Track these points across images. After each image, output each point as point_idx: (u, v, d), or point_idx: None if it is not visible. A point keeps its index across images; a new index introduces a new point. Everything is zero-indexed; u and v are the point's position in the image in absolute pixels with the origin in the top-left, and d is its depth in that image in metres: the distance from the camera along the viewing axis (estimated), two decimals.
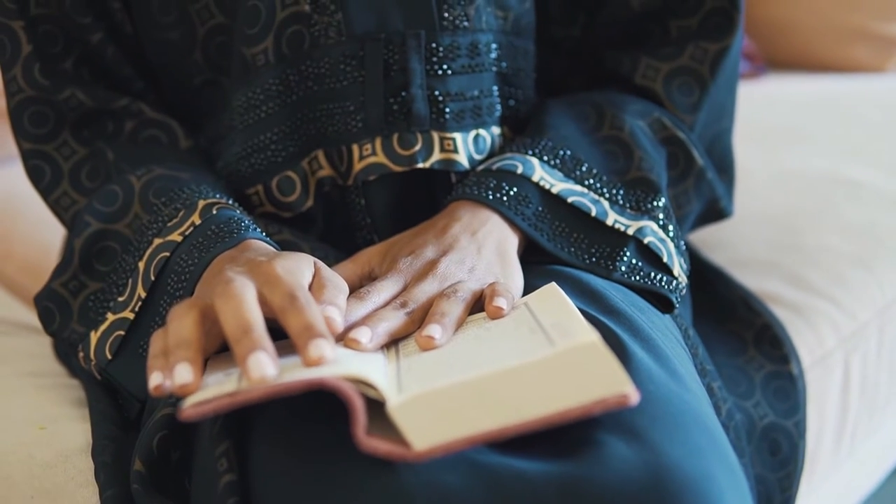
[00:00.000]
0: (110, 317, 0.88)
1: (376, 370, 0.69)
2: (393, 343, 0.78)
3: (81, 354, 0.89)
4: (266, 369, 0.65)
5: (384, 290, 0.81)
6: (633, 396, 0.65)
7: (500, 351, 0.69)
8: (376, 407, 0.66)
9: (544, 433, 0.65)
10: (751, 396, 1.06)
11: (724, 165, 1.08)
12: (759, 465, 1.02)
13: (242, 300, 0.68)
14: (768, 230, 1.32)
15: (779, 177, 1.45)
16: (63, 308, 0.92)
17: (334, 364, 0.67)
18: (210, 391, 0.66)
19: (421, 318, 0.79)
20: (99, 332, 0.88)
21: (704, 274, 1.18)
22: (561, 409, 0.64)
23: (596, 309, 0.82)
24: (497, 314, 0.77)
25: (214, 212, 0.87)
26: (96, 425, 0.87)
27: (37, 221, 1.39)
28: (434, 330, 0.75)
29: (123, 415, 0.89)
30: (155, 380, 0.68)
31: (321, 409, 0.70)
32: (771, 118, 1.68)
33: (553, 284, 0.80)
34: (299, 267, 0.75)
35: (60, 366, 1.03)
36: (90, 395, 0.92)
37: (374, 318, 0.76)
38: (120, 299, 0.88)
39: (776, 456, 1.04)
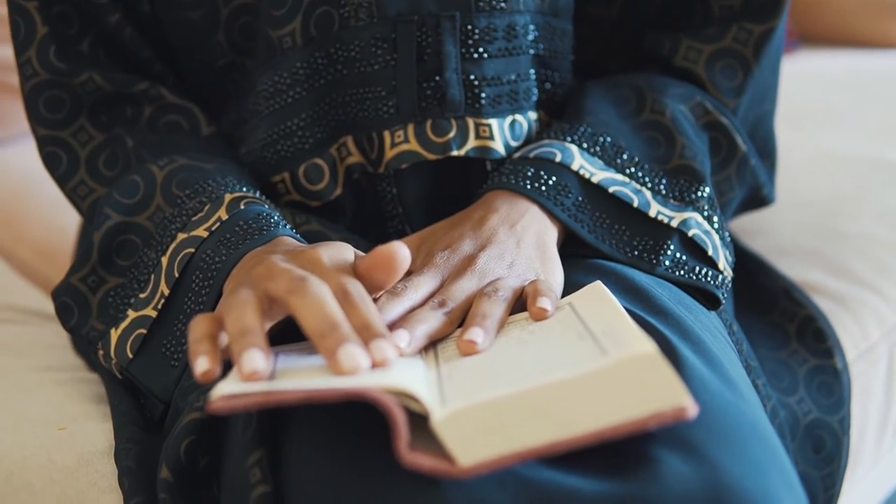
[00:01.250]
0: (131, 314, 0.84)
1: (418, 379, 0.65)
2: (431, 345, 0.75)
3: (101, 352, 0.86)
4: (359, 360, 0.63)
5: (421, 286, 0.77)
6: (691, 409, 0.61)
7: (548, 359, 0.65)
8: (419, 419, 0.63)
9: (596, 447, 0.62)
10: (794, 392, 1.02)
11: (767, 150, 1.04)
12: (803, 462, 0.99)
13: (323, 299, 0.66)
14: (808, 216, 1.27)
15: (816, 160, 1.40)
16: (82, 304, 0.88)
17: (375, 372, 0.64)
18: (242, 386, 0.62)
19: (460, 318, 0.75)
20: (119, 330, 0.84)
21: (745, 263, 1.14)
22: (614, 424, 0.61)
23: (643, 308, 0.78)
24: (541, 316, 0.74)
25: (242, 207, 0.83)
26: (119, 428, 0.84)
27: (50, 202, 1.36)
28: (476, 334, 0.71)
29: (146, 415, 0.86)
30: (201, 365, 0.65)
31: (361, 417, 0.66)
32: (806, 97, 1.63)
33: (598, 283, 0.76)
34: (343, 256, 0.72)
35: (78, 358, 1.00)
36: (111, 395, 0.89)
37: (411, 320, 0.72)
38: (142, 296, 0.85)
39: (820, 453, 1.00)
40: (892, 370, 1.16)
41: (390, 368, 0.66)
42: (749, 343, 1.02)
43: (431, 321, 0.73)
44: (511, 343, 0.71)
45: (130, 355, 0.83)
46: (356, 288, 0.68)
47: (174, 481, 0.74)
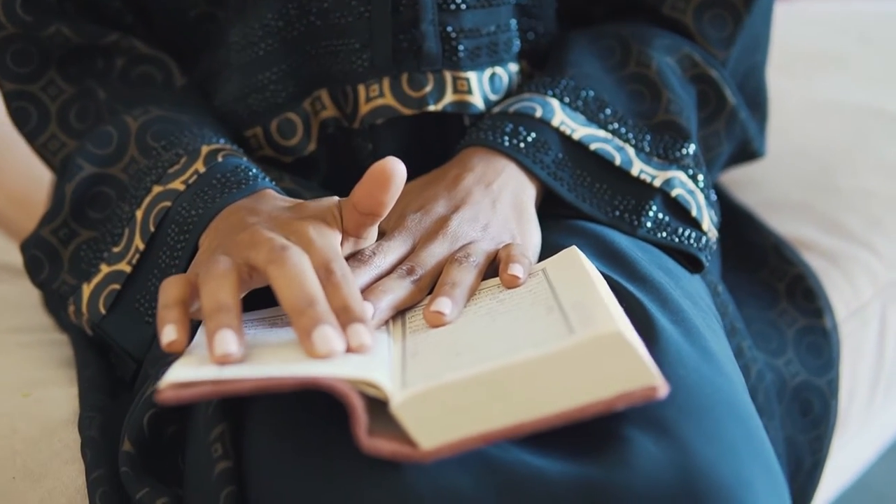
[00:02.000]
0: (104, 268, 0.82)
1: (378, 361, 0.63)
2: (399, 313, 0.72)
3: (72, 308, 0.83)
4: (334, 344, 0.61)
5: (390, 251, 0.74)
6: (662, 389, 0.58)
7: (514, 335, 0.62)
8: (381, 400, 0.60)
9: (565, 427, 0.59)
10: (782, 353, 0.99)
11: (757, 102, 1.00)
12: (790, 426, 0.96)
13: (302, 272, 0.64)
14: (802, 168, 1.24)
15: (812, 109, 1.36)
16: (52, 257, 0.86)
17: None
18: (192, 373, 0.60)
19: (429, 285, 0.73)
20: (92, 285, 0.82)
21: (734, 218, 1.11)
22: (581, 404, 0.58)
23: (621, 274, 0.75)
24: (513, 283, 0.71)
25: (220, 159, 0.80)
26: (84, 395, 0.81)
27: (28, 152, 1.32)
28: (444, 305, 0.69)
29: (114, 379, 0.84)
30: (168, 335, 0.63)
31: (326, 395, 0.63)
32: (802, 42, 1.57)
33: (574, 249, 0.73)
34: (331, 230, 0.70)
35: (48, 318, 0.97)
36: (79, 358, 0.86)
37: (377, 291, 0.70)
38: (115, 250, 0.82)
39: (807, 416, 0.98)
40: (885, 329, 1.13)
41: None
42: (736, 303, 0.99)
43: (398, 291, 0.71)
44: (480, 314, 0.68)
45: (103, 311, 0.80)
46: (340, 266, 0.66)
47: (137, 454, 0.72)
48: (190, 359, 0.63)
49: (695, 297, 0.78)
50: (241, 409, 0.68)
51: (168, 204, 0.79)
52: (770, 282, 1.06)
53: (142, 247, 0.80)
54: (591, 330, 0.59)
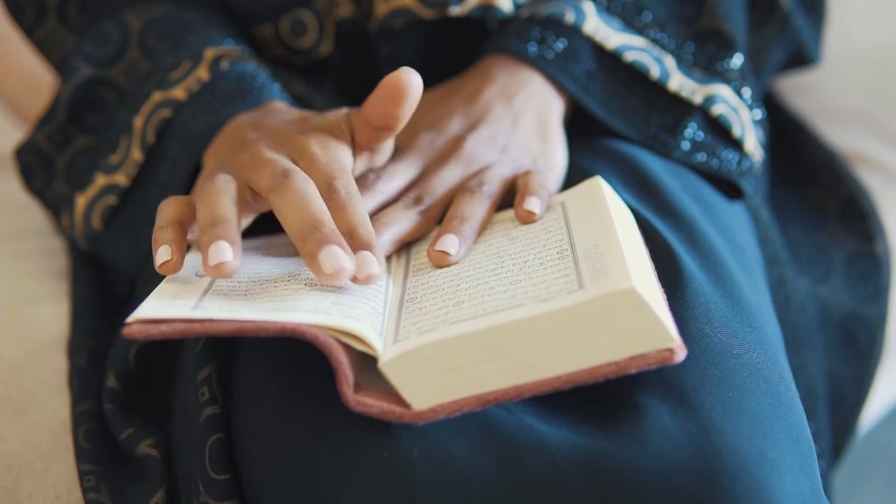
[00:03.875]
0: (100, 179, 0.77)
1: (372, 308, 0.57)
2: (405, 246, 0.66)
3: (66, 219, 0.78)
4: (343, 263, 0.56)
5: (397, 175, 0.68)
6: (679, 352, 0.52)
7: (520, 285, 0.56)
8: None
9: (573, 390, 0.54)
10: (828, 279, 0.92)
11: (813, 1, 0.91)
12: (834, 359, 0.90)
13: (306, 197, 0.58)
14: (861, 73, 1.13)
15: (874, 7, 1.25)
16: (46, 164, 0.81)
17: (320, 300, 0.56)
18: (166, 309, 0.55)
19: (438, 215, 0.67)
20: (87, 197, 0.77)
21: (785, 127, 1.03)
22: (588, 366, 0.53)
23: (650, 206, 0.69)
24: (528, 219, 0.65)
25: (225, 66, 0.74)
26: (76, 316, 0.77)
27: None
28: (450, 243, 0.63)
29: (110, 298, 0.79)
30: (162, 255, 0.59)
31: None
32: None
33: (598, 180, 0.66)
34: (339, 144, 0.64)
35: (48, 221, 0.92)
36: (73, 275, 0.82)
37: (379, 223, 0.64)
38: (112, 159, 0.77)
39: (852, 349, 0.91)
40: None
41: (342, 292, 0.58)
42: (781, 224, 0.92)
43: (403, 223, 0.65)
44: (488, 254, 0.62)
45: (99, 226, 0.76)
46: (345, 184, 0.60)
47: (122, 390, 0.68)
48: (167, 289, 0.58)
49: (732, 233, 0.71)
50: (231, 348, 0.63)
51: (168, 113, 0.74)
52: (819, 200, 0.99)
53: (139, 158, 0.75)
54: (603, 285, 0.52)
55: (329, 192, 0.60)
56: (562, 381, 0.53)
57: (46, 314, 0.78)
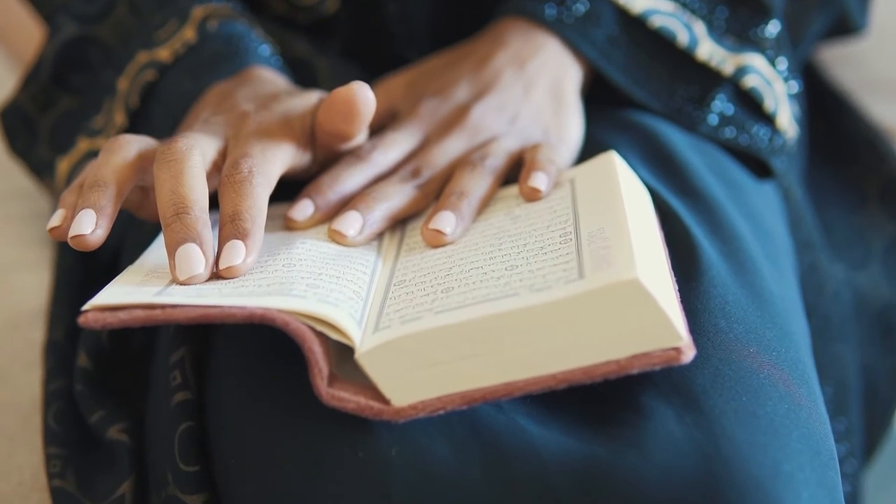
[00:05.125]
0: (83, 144, 0.72)
1: (353, 291, 0.52)
2: (400, 224, 0.61)
3: (48, 184, 0.74)
4: (195, 270, 0.51)
5: (394, 146, 0.63)
6: (687, 352, 0.47)
7: (516, 271, 0.51)
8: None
9: (569, 388, 0.48)
10: (865, 266, 0.86)
11: None
12: (869, 351, 0.84)
13: (184, 168, 0.53)
14: None
15: None
16: (29, 126, 0.76)
17: (297, 282, 0.51)
18: (125, 296, 0.50)
19: (437, 190, 0.62)
20: (69, 162, 0.72)
21: (825, 100, 0.96)
22: (586, 364, 0.47)
23: (669, 185, 0.63)
24: (532, 197, 0.59)
25: (213, 26, 0.70)
26: (57, 287, 0.72)
27: None
28: (446, 221, 0.57)
29: (95, 269, 0.75)
30: (54, 219, 0.54)
31: None
32: None
33: (612, 155, 0.61)
34: (284, 134, 0.59)
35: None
36: (58, 244, 0.77)
37: (370, 197, 0.59)
38: (96, 122, 0.72)
39: (889, 340, 0.85)
40: None
41: (324, 267, 0.53)
42: (816, 205, 0.86)
43: (397, 197, 0.60)
44: (487, 235, 0.57)
45: None
46: (253, 164, 0.55)
47: (94, 370, 0.63)
48: (133, 274, 0.54)
49: (758, 216, 0.66)
50: (207, 330, 0.59)
51: (152, 76, 0.70)
52: (859, 181, 0.92)
53: (123, 122, 0.71)
54: (604, 275, 0.47)
55: (232, 168, 0.55)
56: (556, 379, 0.48)
57: (27, 284, 0.74)
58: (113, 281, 0.53)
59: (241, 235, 0.52)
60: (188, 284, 0.51)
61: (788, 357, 0.53)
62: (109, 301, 0.49)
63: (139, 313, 0.49)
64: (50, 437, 0.63)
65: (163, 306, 0.49)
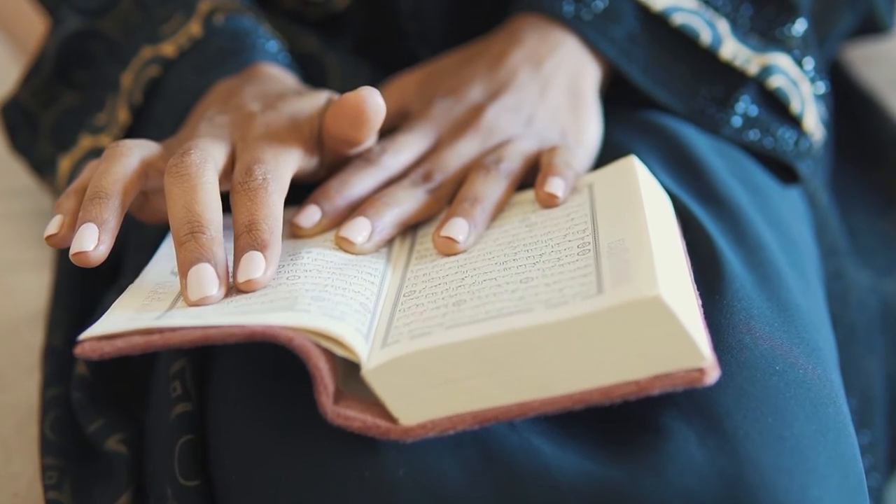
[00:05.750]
0: (86, 141, 0.70)
1: (360, 304, 0.50)
2: (410, 230, 0.59)
3: (49, 182, 0.72)
4: (208, 291, 0.49)
5: (405, 148, 0.61)
6: (711, 373, 0.45)
7: (531, 284, 0.48)
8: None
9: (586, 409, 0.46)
10: (892, 273, 0.83)
11: None
12: (894, 360, 0.81)
13: (198, 184, 0.51)
14: None
15: None
16: (30, 122, 0.75)
17: (301, 295, 0.49)
18: (122, 322, 0.48)
19: (449, 194, 0.60)
20: (71, 160, 0.71)
21: (852, 100, 0.93)
22: (603, 385, 0.45)
23: (691, 191, 0.61)
24: (549, 203, 0.57)
25: (220, 21, 0.68)
26: (57, 289, 0.70)
27: None
28: (458, 229, 0.55)
29: (97, 270, 0.73)
30: (51, 227, 0.52)
31: None
32: None
33: (632, 160, 0.58)
34: (292, 135, 0.56)
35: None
36: None
37: (380, 202, 0.57)
38: (99, 119, 0.70)
39: None
40: None
41: (330, 278, 0.51)
42: (843, 204, 0.83)
43: (408, 203, 0.58)
44: (501, 243, 0.54)
45: None
46: (267, 170, 0.53)
47: (93, 378, 0.61)
48: (132, 298, 0.51)
49: (784, 223, 0.63)
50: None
51: (156, 72, 0.68)
52: (887, 184, 0.89)
53: (126, 119, 0.69)
54: (624, 290, 0.45)
55: (245, 175, 0.52)
56: (573, 400, 0.45)
57: (27, 284, 0.72)
58: (112, 306, 0.51)
59: (260, 247, 0.50)
60: (200, 305, 0.49)
61: (816, 374, 0.51)
62: (107, 330, 0.47)
63: (137, 340, 0.47)
64: (46, 447, 0.61)
65: (161, 330, 0.47)
